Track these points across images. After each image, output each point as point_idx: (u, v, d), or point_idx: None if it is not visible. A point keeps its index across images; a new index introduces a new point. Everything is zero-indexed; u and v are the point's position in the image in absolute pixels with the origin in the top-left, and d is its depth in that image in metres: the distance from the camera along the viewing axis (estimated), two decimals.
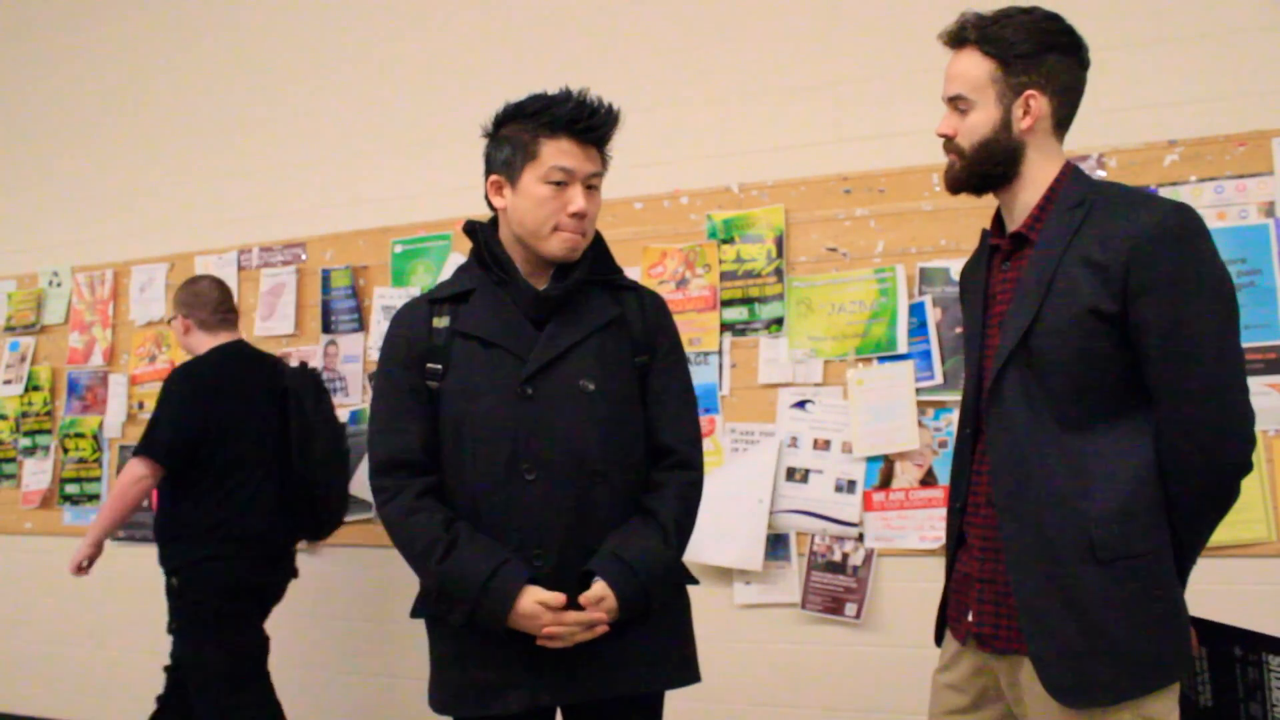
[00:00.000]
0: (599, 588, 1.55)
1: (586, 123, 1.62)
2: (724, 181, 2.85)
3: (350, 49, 3.44)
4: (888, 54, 2.73)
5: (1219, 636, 1.57)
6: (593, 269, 1.70)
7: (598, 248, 1.73)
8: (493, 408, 1.61)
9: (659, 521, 1.63)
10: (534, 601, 1.53)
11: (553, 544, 1.58)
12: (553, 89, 1.68)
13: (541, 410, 1.60)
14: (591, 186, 1.65)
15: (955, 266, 2.58)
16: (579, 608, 1.55)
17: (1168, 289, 1.35)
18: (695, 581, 1.74)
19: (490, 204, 1.72)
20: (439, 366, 1.65)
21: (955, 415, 2.52)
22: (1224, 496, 1.41)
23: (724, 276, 2.81)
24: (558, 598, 1.54)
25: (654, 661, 1.63)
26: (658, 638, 1.64)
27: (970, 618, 1.52)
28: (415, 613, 1.68)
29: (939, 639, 1.65)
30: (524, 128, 1.64)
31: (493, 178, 1.69)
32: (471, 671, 1.60)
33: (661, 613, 1.63)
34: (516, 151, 1.64)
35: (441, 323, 1.67)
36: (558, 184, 1.61)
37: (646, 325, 1.73)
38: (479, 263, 1.70)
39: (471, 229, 1.74)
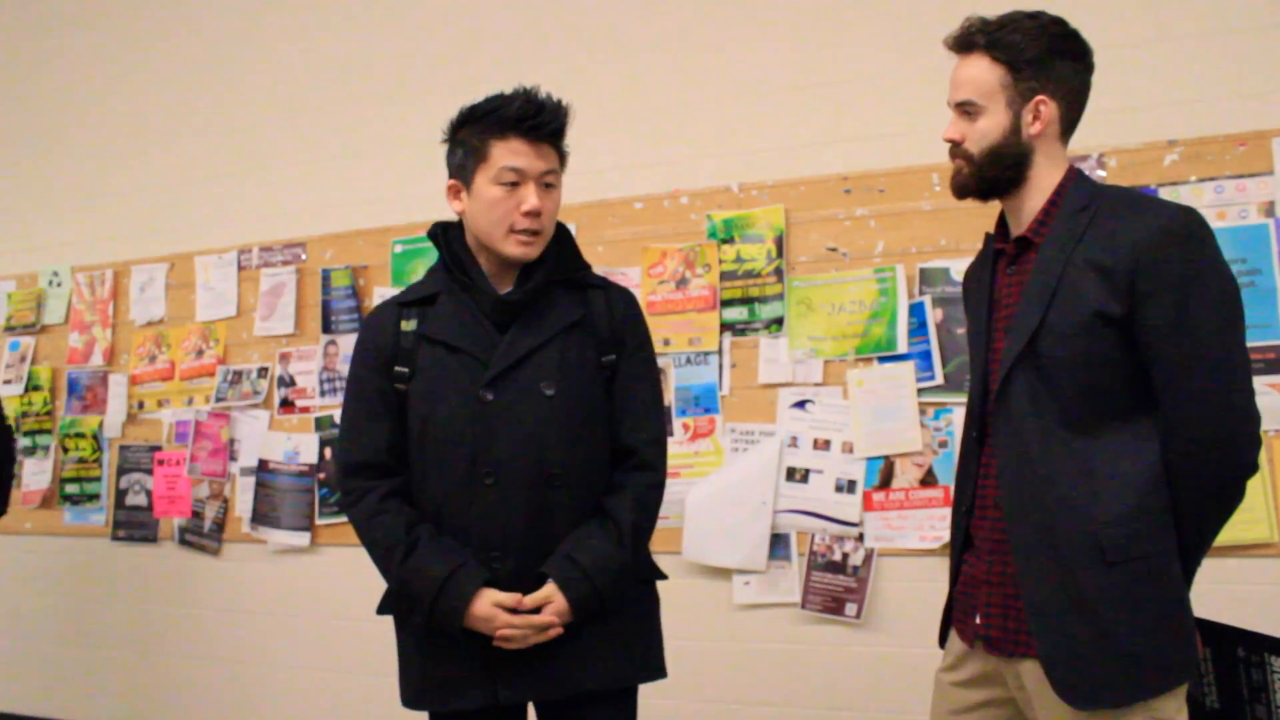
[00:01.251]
0: (547, 589, 1.57)
1: (533, 120, 1.60)
2: (724, 181, 2.85)
3: (350, 49, 3.44)
4: (888, 54, 2.73)
5: (1222, 637, 1.57)
6: (557, 268, 1.69)
7: (563, 245, 1.72)
8: (454, 412, 1.62)
9: (615, 524, 1.63)
10: (490, 604, 1.55)
11: (511, 548, 1.60)
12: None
13: (501, 415, 1.61)
14: (548, 185, 1.65)
15: (955, 266, 2.58)
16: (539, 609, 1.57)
17: (1173, 291, 1.36)
18: (663, 576, 1.76)
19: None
20: (406, 370, 1.66)
21: (955, 415, 2.53)
22: (1230, 498, 1.41)
23: (724, 276, 2.81)
24: (513, 598, 1.56)
25: (614, 658, 1.64)
26: (619, 635, 1.65)
27: (978, 620, 1.52)
28: (381, 609, 1.69)
29: (943, 640, 1.65)
30: (474, 130, 1.64)
31: (450, 182, 1.69)
32: (433, 668, 1.63)
33: (622, 610, 1.64)
34: (468, 155, 1.64)
35: (409, 326, 1.68)
36: (510, 185, 1.61)
37: (614, 324, 1.71)
38: (444, 266, 1.71)
39: (434, 233, 1.74)
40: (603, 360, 1.70)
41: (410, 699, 1.68)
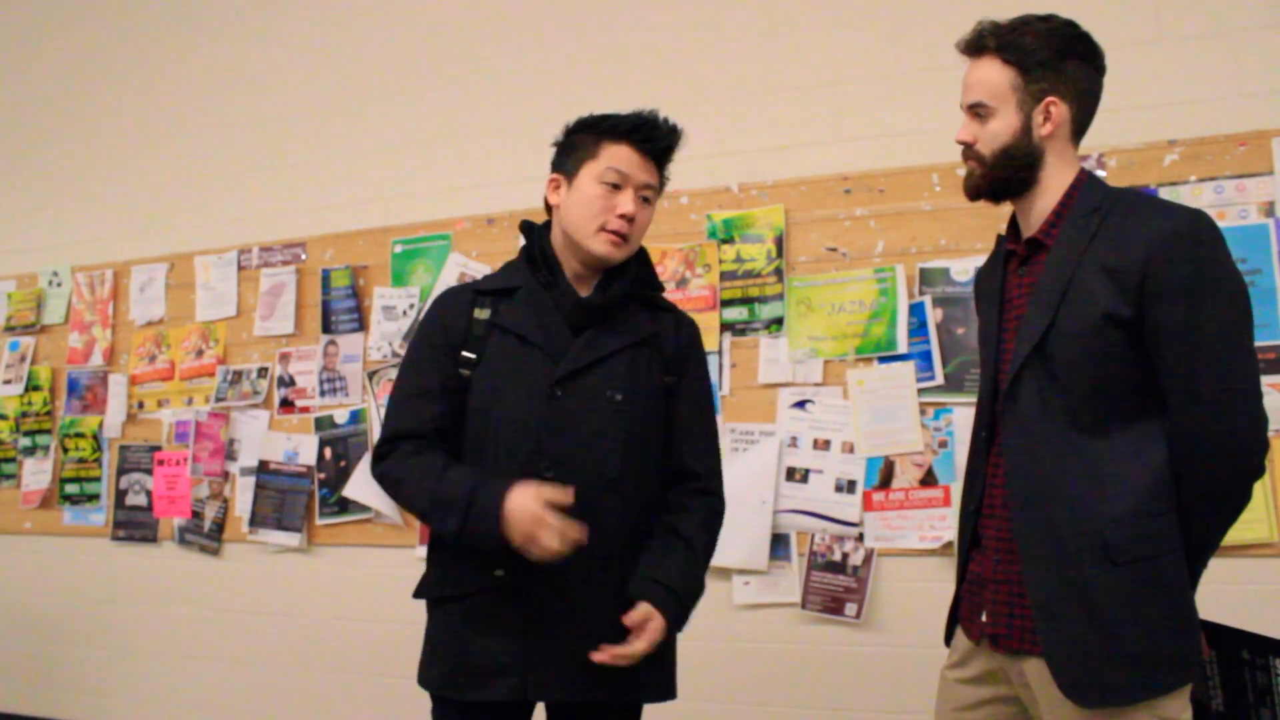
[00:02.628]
0: (645, 609, 1.57)
1: (647, 133, 1.67)
2: (724, 181, 2.85)
3: (350, 49, 3.44)
4: (888, 54, 2.73)
5: (1226, 640, 1.57)
6: (636, 283, 1.73)
7: (642, 264, 1.76)
8: (520, 405, 1.64)
9: (688, 543, 1.66)
10: (530, 495, 1.50)
11: None
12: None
13: (567, 414, 1.63)
14: (644, 199, 1.69)
15: (955, 266, 2.58)
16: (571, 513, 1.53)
17: (1182, 294, 1.36)
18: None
19: (547, 205, 1.76)
20: (473, 356, 1.68)
21: (955, 415, 2.53)
22: (1236, 499, 1.42)
23: (724, 276, 2.81)
24: (555, 492, 1.52)
25: (637, 671, 1.62)
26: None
27: (984, 618, 1.53)
28: (418, 593, 1.70)
29: (948, 638, 1.66)
30: (590, 132, 1.70)
31: (553, 176, 1.74)
32: (466, 655, 1.62)
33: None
34: (579, 152, 1.69)
35: (483, 314, 1.70)
36: (612, 185, 1.66)
37: (679, 348, 1.76)
38: (528, 261, 1.74)
39: (528, 227, 1.78)
40: (665, 380, 1.73)
41: (436, 683, 1.66)
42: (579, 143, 1.70)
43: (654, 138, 1.68)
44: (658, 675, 1.68)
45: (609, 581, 1.62)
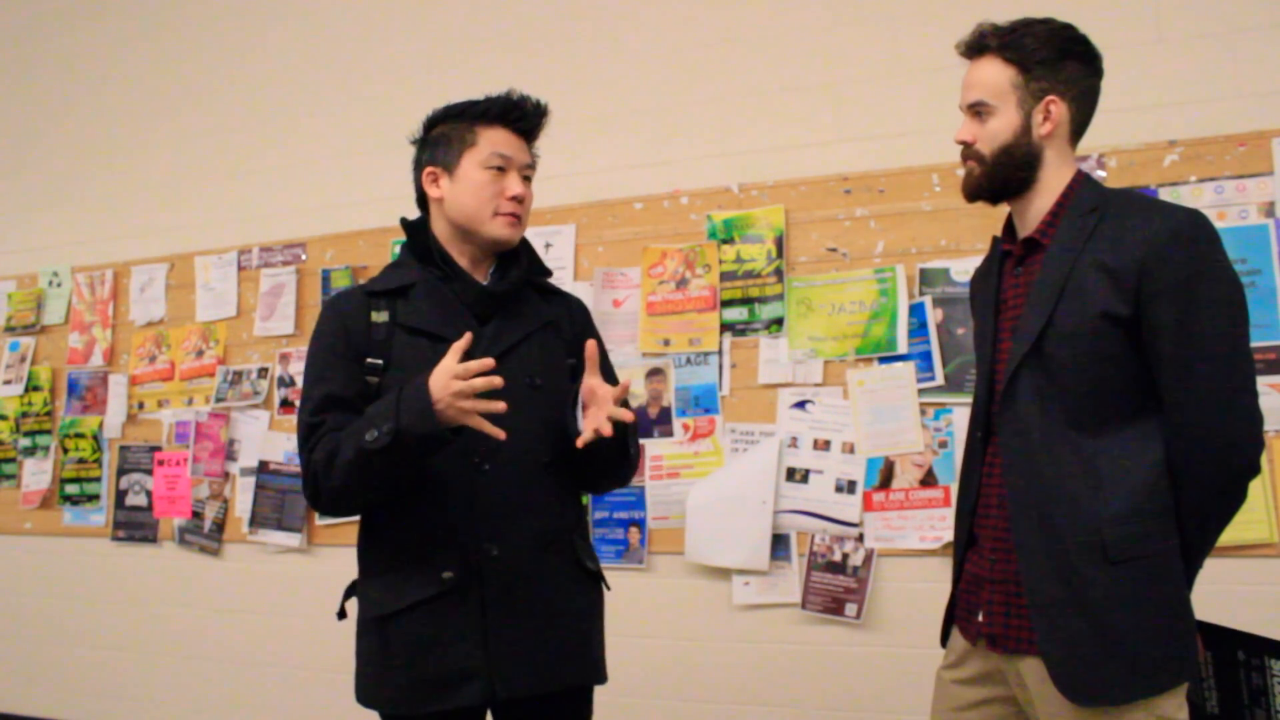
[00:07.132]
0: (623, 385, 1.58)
1: (518, 113, 1.70)
2: (724, 181, 2.85)
3: (350, 48, 3.44)
4: (888, 54, 2.73)
5: (1222, 641, 1.57)
6: (530, 269, 1.75)
7: (530, 252, 1.78)
8: None
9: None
10: (442, 367, 1.46)
11: (505, 532, 1.60)
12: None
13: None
14: (526, 178, 1.72)
15: (955, 267, 2.58)
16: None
17: (1179, 293, 1.37)
18: (609, 587, 1.78)
19: (421, 202, 1.76)
20: (379, 361, 1.62)
21: (955, 416, 2.53)
22: (1232, 498, 1.43)
23: (724, 276, 2.81)
24: (473, 365, 1.47)
25: (585, 656, 1.67)
26: (586, 634, 1.69)
27: (980, 618, 1.53)
28: (361, 614, 1.70)
29: (945, 639, 1.66)
30: (458, 122, 1.70)
31: (428, 169, 1.72)
32: (424, 666, 1.59)
33: (590, 614, 1.69)
34: (454, 142, 1.69)
35: (380, 317, 1.65)
36: (497, 169, 1.67)
37: (575, 330, 1.79)
38: (417, 258, 1.72)
39: (409, 224, 1.77)
40: (568, 362, 1.75)
41: (390, 700, 1.64)
42: (452, 133, 1.70)
43: (526, 117, 1.70)
44: (597, 656, 1.70)
45: (560, 565, 1.64)
